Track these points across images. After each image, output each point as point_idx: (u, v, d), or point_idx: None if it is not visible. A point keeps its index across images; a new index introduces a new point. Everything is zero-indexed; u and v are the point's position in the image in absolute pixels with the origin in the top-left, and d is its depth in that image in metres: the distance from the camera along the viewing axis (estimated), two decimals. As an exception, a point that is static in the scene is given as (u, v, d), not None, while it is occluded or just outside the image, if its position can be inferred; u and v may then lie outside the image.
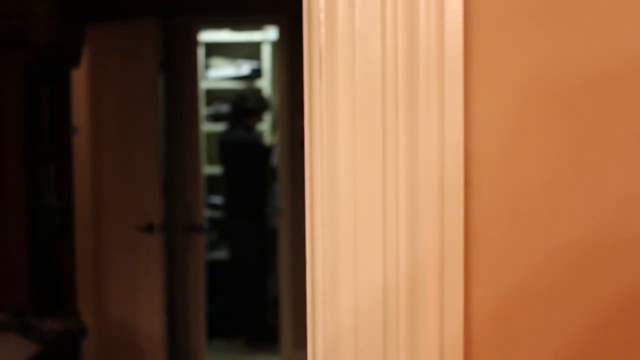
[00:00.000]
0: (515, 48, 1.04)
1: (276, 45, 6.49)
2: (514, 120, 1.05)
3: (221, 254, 6.93)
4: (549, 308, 1.07)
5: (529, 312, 1.07)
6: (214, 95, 7.18)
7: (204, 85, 6.82)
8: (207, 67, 7.09)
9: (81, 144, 5.22)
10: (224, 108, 7.04)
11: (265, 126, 7.16)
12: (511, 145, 1.05)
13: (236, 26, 6.84)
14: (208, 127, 6.99)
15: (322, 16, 1.03)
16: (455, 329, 1.05)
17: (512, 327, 1.07)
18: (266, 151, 6.63)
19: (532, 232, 1.06)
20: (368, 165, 1.04)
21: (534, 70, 1.04)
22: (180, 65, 5.49)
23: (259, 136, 6.80)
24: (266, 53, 7.16)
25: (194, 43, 5.55)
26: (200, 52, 6.30)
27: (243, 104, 6.49)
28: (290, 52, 5.80)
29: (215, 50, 7.16)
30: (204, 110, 6.85)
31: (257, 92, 6.94)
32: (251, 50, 7.20)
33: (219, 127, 6.95)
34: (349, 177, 1.05)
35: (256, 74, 7.14)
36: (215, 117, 7.12)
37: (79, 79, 5.12)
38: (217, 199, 7.06)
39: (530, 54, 1.04)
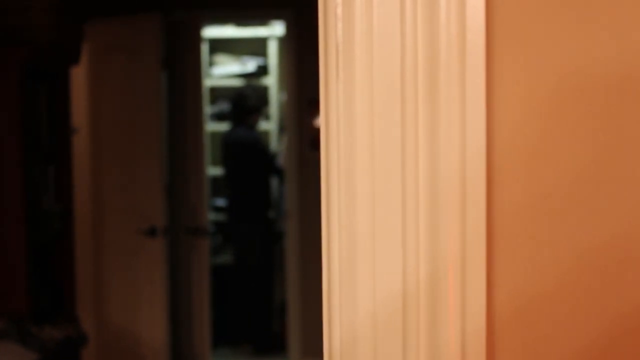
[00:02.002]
0: (540, 44, 1.05)
1: (283, 41, 6.50)
2: (539, 117, 1.06)
3: (226, 258, 6.94)
4: (574, 311, 1.07)
5: (553, 314, 1.07)
6: (218, 94, 7.19)
7: (207, 83, 6.83)
8: (210, 64, 7.11)
9: (81, 144, 5.23)
10: (229, 107, 7.06)
11: (271, 125, 7.17)
12: (536, 143, 1.06)
13: (241, 21, 6.84)
14: (212, 127, 7.01)
15: (340, 10, 1.04)
16: (478, 333, 1.05)
17: (535, 330, 1.08)
18: (267, 150, 6.64)
19: (557, 232, 1.06)
20: (387, 164, 1.05)
21: (560, 67, 1.05)
22: (183, 63, 5.50)
23: (260, 135, 6.80)
24: (272, 49, 7.17)
25: (197, 39, 5.57)
26: (204, 48, 6.32)
27: (243, 102, 6.50)
28: (298, 47, 5.81)
29: (220, 46, 7.17)
30: (207, 109, 6.87)
31: (256, 88, 6.95)
32: (257, 46, 7.21)
33: (224, 126, 6.97)
34: (366, 176, 1.05)
35: (262, 71, 7.15)
36: (219, 116, 7.13)
37: (79, 77, 5.13)
38: (222, 201, 7.07)
39: (555, 50, 1.05)
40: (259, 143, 6.61)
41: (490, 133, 1.05)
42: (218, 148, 6.90)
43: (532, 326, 1.08)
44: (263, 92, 7.03)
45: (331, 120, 1.06)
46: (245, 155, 6.51)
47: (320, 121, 1.08)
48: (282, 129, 6.96)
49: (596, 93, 1.05)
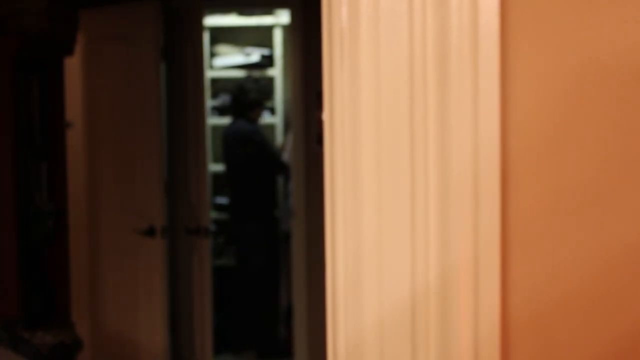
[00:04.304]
0: (559, 27, 1.04)
1: (288, 30, 6.48)
2: (557, 108, 1.04)
3: (229, 259, 6.94)
4: (593, 314, 1.06)
5: (571, 318, 1.06)
6: (220, 86, 7.18)
7: (209, 74, 6.83)
8: (212, 54, 7.10)
9: (76, 139, 5.24)
10: (230, 100, 7.06)
11: (277, 119, 7.17)
12: (554, 136, 1.04)
13: (244, 9, 6.84)
14: (214, 121, 7.00)
15: (343, -5, 1.03)
16: (491, 338, 1.04)
17: (552, 334, 1.06)
18: (267, 143, 6.63)
19: (577, 232, 1.05)
20: (394, 159, 1.03)
21: (580, 53, 1.04)
22: (183, 53, 5.50)
23: (260, 128, 6.77)
24: (277, 39, 7.16)
25: (198, 28, 5.56)
26: (205, 38, 6.30)
27: (243, 97, 6.49)
28: (305, 37, 5.79)
29: (222, 36, 7.17)
30: (209, 102, 6.86)
31: (257, 81, 6.93)
32: (261, 36, 7.20)
33: (226, 120, 6.96)
34: (373, 172, 1.04)
35: (267, 61, 7.14)
36: (221, 110, 7.13)
37: (73, 68, 5.13)
38: (224, 200, 7.07)
39: (575, 34, 1.04)
40: (259, 136, 6.57)
41: (504, 125, 1.04)
42: (220, 143, 6.90)
43: (548, 330, 1.06)
44: (265, 84, 7.02)
45: (335, 112, 1.05)
46: (245, 150, 6.50)
47: (324, 113, 1.07)
48: (287, 123, 6.95)
49: (619, 82, 1.04)
